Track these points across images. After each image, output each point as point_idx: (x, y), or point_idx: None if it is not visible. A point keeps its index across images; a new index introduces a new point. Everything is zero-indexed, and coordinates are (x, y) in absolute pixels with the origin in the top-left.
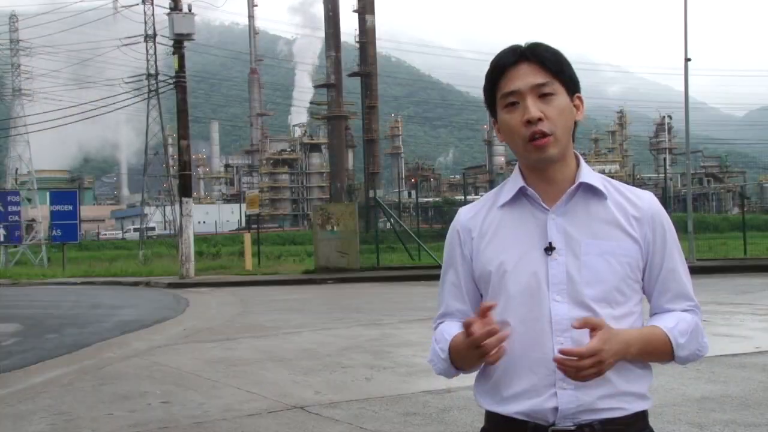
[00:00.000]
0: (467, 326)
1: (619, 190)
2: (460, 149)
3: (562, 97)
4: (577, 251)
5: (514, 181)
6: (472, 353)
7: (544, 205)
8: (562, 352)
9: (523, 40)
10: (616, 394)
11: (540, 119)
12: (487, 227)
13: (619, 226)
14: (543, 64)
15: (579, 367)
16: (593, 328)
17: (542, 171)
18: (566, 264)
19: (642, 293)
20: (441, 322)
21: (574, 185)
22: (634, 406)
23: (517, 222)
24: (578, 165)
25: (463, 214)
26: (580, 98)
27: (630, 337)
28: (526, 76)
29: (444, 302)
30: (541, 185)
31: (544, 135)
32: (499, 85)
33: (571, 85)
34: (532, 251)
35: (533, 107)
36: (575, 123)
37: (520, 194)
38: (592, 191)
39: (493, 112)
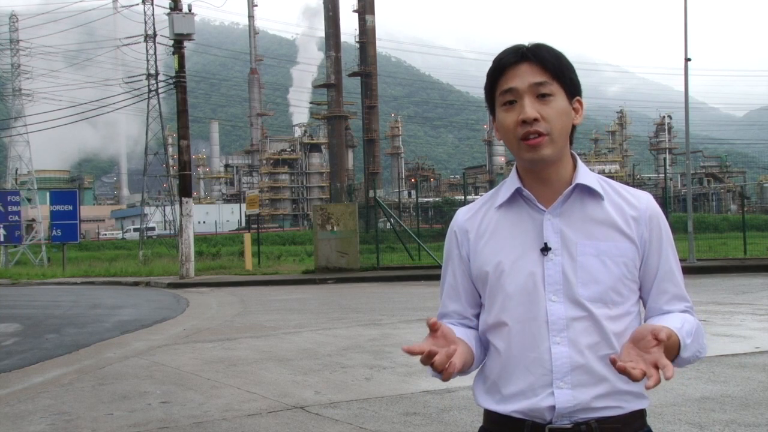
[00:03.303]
0: (433, 328)
1: (617, 191)
2: (460, 149)
3: (560, 99)
4: (573, 252)
5: (511, 182)
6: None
7: (540, 205)
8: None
9: (522, 41)
10: (614, 393)
11: (536, 119)
12: (485, 228)
13: (615, 227)
14: (543, 65)
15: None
16: (667, 336)
17: (538, 172)
18: (562, 264)
19: (639, 293)
20: None
21: (571, 186)
22: (631, 405)
23: (513, 223)
24: (575, 166)
25: (460, 215)
26: (580, 102)
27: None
28: (525, 75)
29: (442, 303)
30: (537, 186)
31: (539, 134)
32: (499, 82)
33: (571, 88)
34: (528, 252)
35: (529, 107)
36: (573, 126)
37: (517, 195)
38: (588, 192)
39: (492, 110)
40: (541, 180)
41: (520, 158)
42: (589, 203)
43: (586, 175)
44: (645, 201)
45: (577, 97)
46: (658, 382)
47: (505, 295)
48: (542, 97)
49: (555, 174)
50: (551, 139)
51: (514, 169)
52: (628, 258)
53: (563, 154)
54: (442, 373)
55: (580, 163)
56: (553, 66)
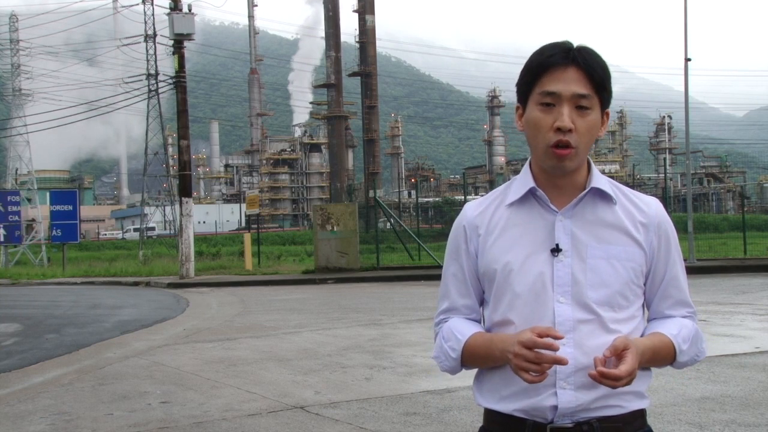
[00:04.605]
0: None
1: (627, 196)
2: (460, 149)
3: (595, 114)
4: (583, 254)
5: (524, 181)
6: (512, 360)
7: (552, 206)
8: (600, 373)
9: (523, 41)
10: (615, 393)
11: (570, 130)
12: (495, 225)
13: (625, 232)
14: (591, 75)
15: (616, 386)
16: (623, 349)
17: (555, 176)
18: (572, 266)
19: (644, 298)
20: (446, 318)
21: (585, 190)
22: (632, 405)
23: (524, 222)
24: (589, 170)
25: (470, 210)
26: (607, 114)
27: (644, 347)
28: (571, 83)
29: (449, 297)
30: (550, 187)
31: (567, 146)
32: (541, 80)
33: (606, 102)
34: (538, 252)
35: (567, 117)
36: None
37: (529, 194)
38: (601, 196)
39: (522, 99)
40: (555, 182)
41: (543, 162)
42: (600, 207)
43: (600, 180)
44: (654, 207)
45: (607, 110)
46: (597, 377)
47: (512, 294)
48: (580, 108)
49: (570, 179)
50: (577, 152)
51: (527, 166)
52: (636, 263)
53: (582, 162)
54: (539, 372)
55: (594, 168)
56: (599, 78)
